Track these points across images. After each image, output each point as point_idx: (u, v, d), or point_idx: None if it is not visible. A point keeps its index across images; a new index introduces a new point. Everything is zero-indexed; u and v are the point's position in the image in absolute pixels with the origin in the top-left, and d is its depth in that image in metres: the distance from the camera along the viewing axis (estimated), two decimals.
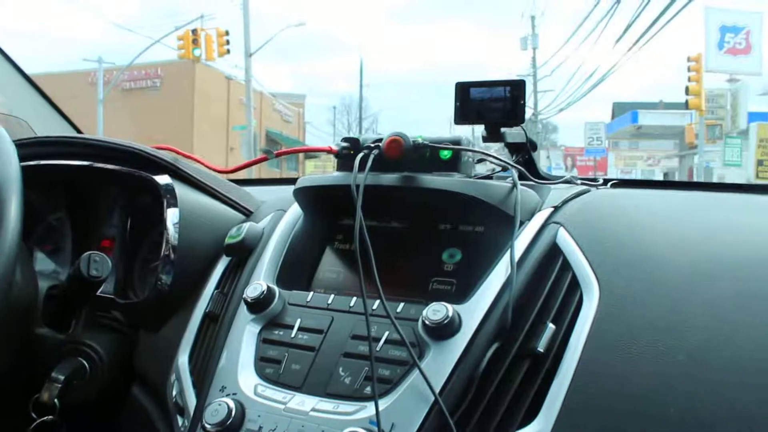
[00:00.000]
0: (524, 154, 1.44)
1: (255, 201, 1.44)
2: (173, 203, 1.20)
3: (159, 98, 28.47)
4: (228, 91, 30.69)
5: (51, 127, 1.60)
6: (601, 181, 1.49)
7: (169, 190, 1.22)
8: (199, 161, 1.42)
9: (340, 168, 1.21)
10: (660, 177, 27.80)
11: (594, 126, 28.98)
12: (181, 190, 1.23)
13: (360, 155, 1.11)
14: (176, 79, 28.29)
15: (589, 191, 1.25)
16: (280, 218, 1.25)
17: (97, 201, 1.40)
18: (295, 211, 1.25)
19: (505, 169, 1.41)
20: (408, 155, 1.12)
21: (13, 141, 1.00)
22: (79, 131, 1.70)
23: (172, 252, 1.19)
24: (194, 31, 18.76)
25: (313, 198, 1.21)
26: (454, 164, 1.16)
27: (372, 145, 1.14)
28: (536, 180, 1.32)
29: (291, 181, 1.69)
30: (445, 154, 1.16)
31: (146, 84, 29.15)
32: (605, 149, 29.80)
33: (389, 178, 1.12)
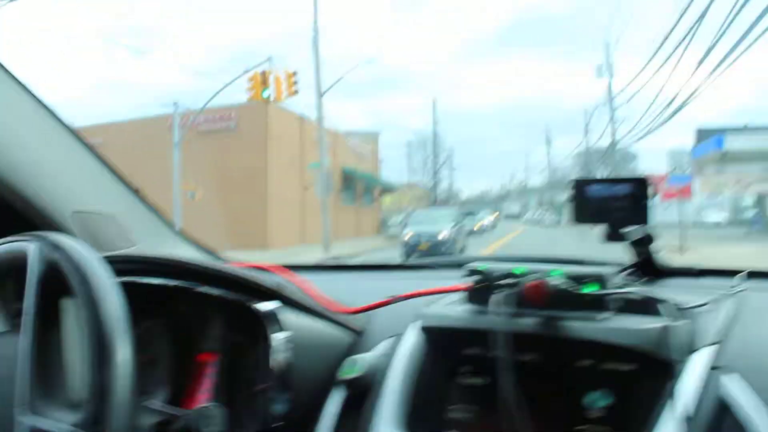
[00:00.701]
0: (645, 249, 1.38)
1: (358, 319, 1.31)
2: (279, 328, 1.10)
3: (234, 139, 29.02)
4: (301, 131, 31.06)
5: (137, 217, 1.48)
6: (737, 281, 1.32)
7: (273, 317, 1.11)
8: (310, 293, 1.27)
9: (471, 299, 1.12)
10: (750, 201, 26.78)
11: (677, 154, 28.18)
12: (287, 314, 1.13)
13: (496, 297, 1.05)
14: (250, 121, 28.81)
15: (740, 299, 1.16)
16: (395, 346, 1.16)
17: (193, 313, 1.27)
18: (412, 339, 1.15)
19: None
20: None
21: (107, 256, 0.93)
22: (165, 220, 1.58)
23: (283, 380, 1.09)
24: (263, 73, 18.95)
25: (439, 334, 1.13)
26: (599, 301, 1.04)
27: (508, 282, 1.06)
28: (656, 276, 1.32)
29: (381, 268, 1.88)
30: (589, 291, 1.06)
31: (221, 126, 29.75)
32: (690, 176, 28.69)
33: (529, 324, 1.04)
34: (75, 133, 1.35)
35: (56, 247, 0.88)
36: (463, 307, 1.12)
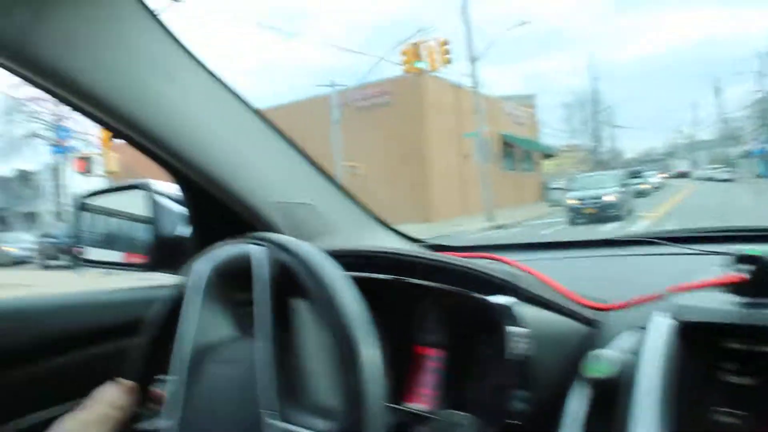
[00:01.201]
0: None
1: (595, 301, 1.20)
2: (515, 322, 1.02)
3: (391, 113, 29.26)
4: (456, 99, 30.78)
5: (335, 205, 1.50)
6: None
7: (509, 310, 1.03)
8: (548, 283, 1.17)
9: (740, 292, 0.97)
10: None
11: None
12: (522, 307, 1.04)
13: None
14: (405, 93, 28.90)
15: None
16: (640, 340, 1.02)
17: (411, 304, 1.22)
18: (662, 333, 1.00)
19: None
20: None
21: (330, 251, 0.92)
22: (363, 207, 1.57)
23: (522, 376, 1.00)
24: (415, 44, 18.83)
25: (695, 327, 0.99)
26: None
27: None
28: None
29: (588, 244, 1.74)
30: None
31: (378, 101, 30.09)
32: None
33: None
34: (269, 123, 1.36)
35: (283, 248, 0.88)
36: (725, 298, 0.98)
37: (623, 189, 21.89)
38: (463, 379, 1.14)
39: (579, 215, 20.89)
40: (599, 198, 20.60)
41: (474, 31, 22.51)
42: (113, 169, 20.59)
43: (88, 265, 1.58)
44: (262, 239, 0.90)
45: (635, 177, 38.29)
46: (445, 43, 18.93)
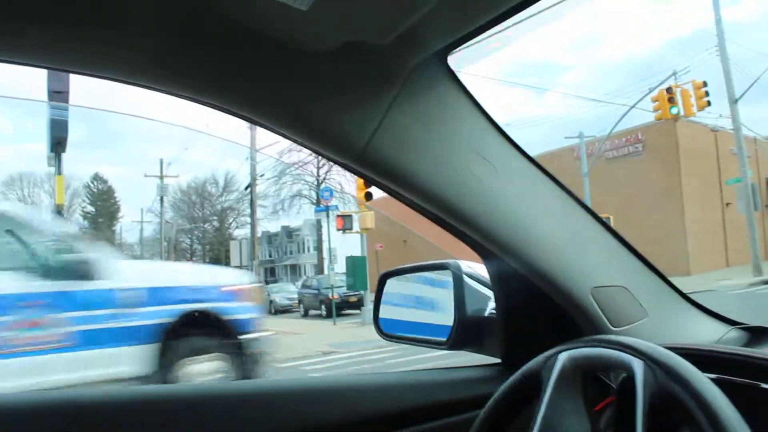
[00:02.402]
0: None
1: None
2: None
3: (642, 162, 28.19)
4: (716, 144, 28.86)
5: (644, 285, 1.42)
6: None
7: None
8: None
9: None
10: None
11: None
12: None
13: None
14: (658, 141, 27.74)
15: None
16: None
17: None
18: None
19: None
20: None
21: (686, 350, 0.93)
22: (672, 285, 1.47)
23: None
24: (669, 89, 18.00)
25: None
26: None
27: None
28: None
29: None
30: None
31: (628, 150, 29.22)
32: None
33: None
34: (579, 202, 1.35)
35: (672, 374, 0.82)
36: None
37: None
38: None
39: None
40: None
41: (732, 69, 21.00)
42: (368, 226, 21.76)
43: (389, 339, 1.64)
44: (644, 355, 0.85)
45: None
46: (703, 84, 17.93)
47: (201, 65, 0.99)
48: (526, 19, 1.03)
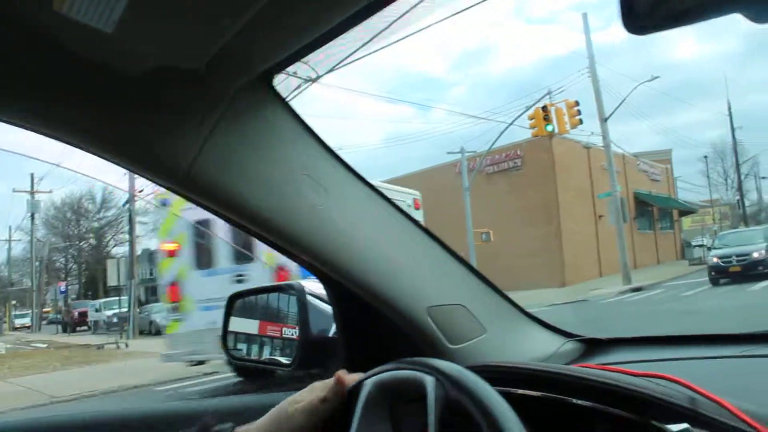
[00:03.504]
0: None
1: None
2: None
3: (521, 177, 29.21)
4: (588, 160, 30.32)
5: (482, 302, 1.46)
6: None
7: None
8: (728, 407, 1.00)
9: None
10: None
11: None
12: None
13: None
14: (535, 156, 28.82)
15: None
16: None
17: (573, 422, 1.14)
18: None
19: None
20: None
21: (475, 367, 0.97)
22: (510, 301, 1.52)
23: None
24: (544, 108, 18.79)
25: None
26: None
27: None
28: None
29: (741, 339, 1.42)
30: None
31: (508, 165, 30.16)
32: None
33: None
34: (417, 224, 1.37)
35: (459, 385, 0.88)
36: None
37: None
38: None
39: (722, 274, 19.50)
40: (747, 255, 19.21)
41: (604, 90, 22.25)
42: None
43: (237, 362, 1.67)
44: (430, 368, 0.92)
45: None
46: (575, 103, 18.80)
47: (15, 88, 0.95)
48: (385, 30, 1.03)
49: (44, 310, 47.32)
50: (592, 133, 26.48)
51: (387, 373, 1.00)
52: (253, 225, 1.16)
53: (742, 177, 48.16)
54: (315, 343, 1.43)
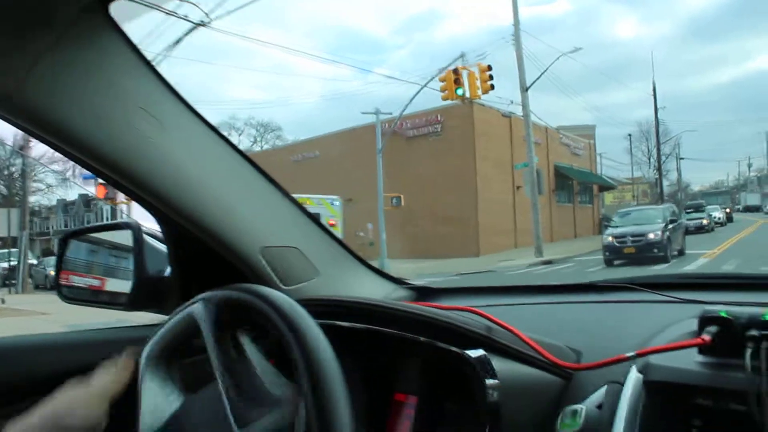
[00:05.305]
0: None
1: (567, 353, 1.25)
2: (488, 375, 1.05)
3: (441, 143, 28.79)
4: (510, 130, 30.00)
5: (318, 247, 1.52)
6: None
7: (483, 363, 1.07)
8: (520, 337, 1.20)
9: (708, 351, 1.03)
10: None
11: None
12: (495, 360, 1.09)
13: (750, 350, 0.95)
14: (455, 123, 28.39)
15: None
16: (613, 395, 1.08)
17: (388, 353, 1.26)
18: (634, 390, 1.07)
19: None
20: None
21: (306, 300, 1.09)
22: (347, 249, 1.61)
23: (494, 427, 1.03)
24: (455, 71, 18.07)
25: (666, 385, 1.06)
26: None
27: (758, 334, 0.96)
28: None
29: (572, 289, 1.72)
30: None
31: (428, 130, 29.68)
32: None
33: None
34: (257, 167, 1.38)
35: (248, 291, 0.96)
36: (697, 359, 1.04)
37: (673, 225, 19.43)
38: (438, 426, 1.17)
39: (616, 255, 18.70)
40: (642, 235, 18.29)
41: (529, 61, 21.79)
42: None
43: (71, 302, 1.59)
44: (204, 299, 1.01)
45: (696, 211, 36.15)
46: (488, 68, 18.19)
47: None
48: None
49: None
50: (511, 102, 26.19)
51: (160, 331, 1.07)
52: (84, 155, 1.13)
53: (664, 157, 49.11)
54: (150, 283, 1.43)
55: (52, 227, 52.04)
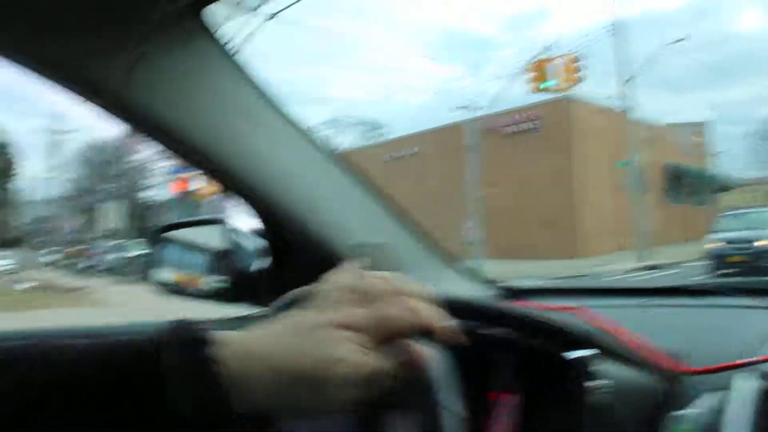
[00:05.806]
0: None
1: (668, 356, 1.21)
2: (591, 376, 1.05)
3: (539, 140, 27.93)
4: (616, 127, 28.79)
5: (407, 246, 1.53)
6: None
7: (586, 364, 1.07)
8: (625, 338, 1.19)
9: None
10: None
11: None
12: (601, 362, 1.08)
13: None
14: (553, 119, 27.44)
15: None
16: (722, 400, 1.04)
17: (485, 351, 1.23)
18: (745, 395, 1.04)
19: None
20: None
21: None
22: (439, 249, 1.58)
23: (599, 428, 1.03)
24: (541, 63, 17.47)
25: None
26: None
27: None
28: None
29: (668, 292, 1.69)
30: None
31: (527, 126, 28.91)
32: None
33: None
34: (345, 162, 1.42)
35: None
36: None
37: None
38: (537, 427, 1.15)
39: (722, 264, 15.48)
40: (751, 242, 15.42)
41: (634, 53, 20.82)
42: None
43: (167, 294, 1.59)
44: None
45: None
46: (575, 59, 17.43)
47: None
48: None
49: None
50: (612, 98, 25.13)
51: None
52: (189, 155, 1.21)
53: None
54: (245, 277, 1.44)
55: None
